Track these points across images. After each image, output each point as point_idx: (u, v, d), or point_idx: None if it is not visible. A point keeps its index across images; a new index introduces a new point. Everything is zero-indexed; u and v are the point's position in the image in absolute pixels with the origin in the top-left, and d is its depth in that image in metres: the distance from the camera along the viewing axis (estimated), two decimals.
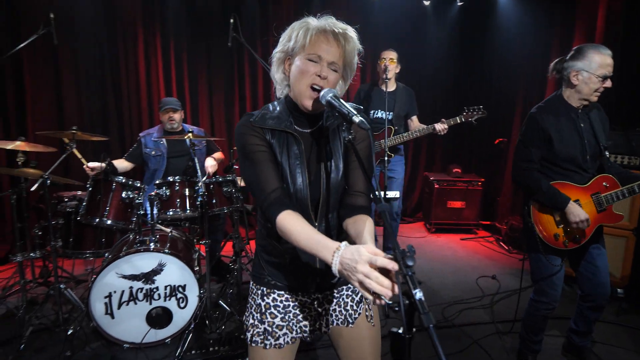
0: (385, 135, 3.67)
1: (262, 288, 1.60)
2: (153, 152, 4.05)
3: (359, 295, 1.65)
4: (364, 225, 1.39)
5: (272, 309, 1.57)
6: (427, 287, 3.95)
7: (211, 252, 4.09)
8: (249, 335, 1.57)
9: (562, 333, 3.11)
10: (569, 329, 2.76)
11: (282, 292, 1.58)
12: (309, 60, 1.39)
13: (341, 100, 1.32)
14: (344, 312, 1.63)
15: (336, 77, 1.42)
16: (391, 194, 3.64)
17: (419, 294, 1.00)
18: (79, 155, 3.61)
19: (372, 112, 4.21)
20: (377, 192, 1.20)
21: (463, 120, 3.92)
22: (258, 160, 1.43)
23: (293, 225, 1.32)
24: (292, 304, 1.58)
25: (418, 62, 6.02)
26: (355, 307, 1.64)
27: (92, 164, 3.61)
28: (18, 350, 2.85)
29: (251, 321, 1.58)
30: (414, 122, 4.24)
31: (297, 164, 1.45)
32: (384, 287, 1.06)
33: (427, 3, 5.88)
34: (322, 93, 1.36)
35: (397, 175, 4.26)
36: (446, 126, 3.90)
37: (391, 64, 4.01)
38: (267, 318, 1.56)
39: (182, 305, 3.07)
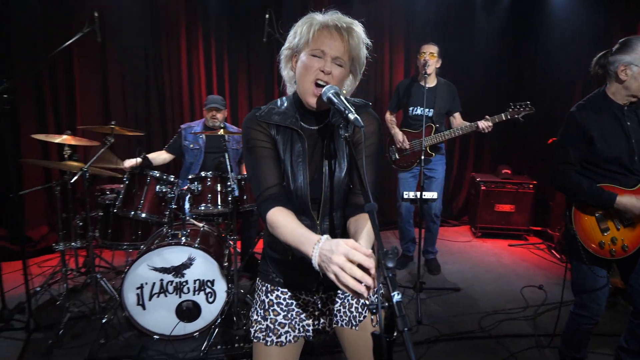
0: (423, 134, 3.61)
1: (266, 285, 1.64)
2: (191, 145, 4.21)
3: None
4: (365, 223, 1.39)
5: (275, 306, 1.61)
6: (466, 294, 3.86)
7: (244, 249, 4.20)
8: (252, 331, 1.60)
9: (612, 351, 2.94)
10: (619, 346, 2.60)
11: (286, 290, 1.61)
12: (312, 55, 1.40)
13: (341, 97, 1.32)
14: (348, 313, 1.63)
15: (341, 72, 1.43)
16: (429, 194, 3.57)
17: (397, 297, 1.01)
18: (113, 161, 3.81)
19: (411, 108, 4.15)
20: (367, 190, 1.19)
21: (509, 117, 3.79)
22: (259, 155, 1.46)
23: (280, 220, 1.35)
24: (295, 302, 1.61)
25: (464, 57, 5.89)
26: (360, 310, 1.64)
27: (127, 163, 3.80)
28: (57, 335, 3.05)
29: (255, 317, 1.62)
30: (457, 120, 4.14)
31: (299, 162, 1.47)
32: (357, 279, 1.07)
33: None
34: (323, 90, 1.37)
35: (438, 175, 4.18)
36: (490, 124, 3.79)
37: (431, 58, 3.95)
38: (269, 315, 1.59)
39: (210, 300, 3.17)
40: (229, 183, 3.30)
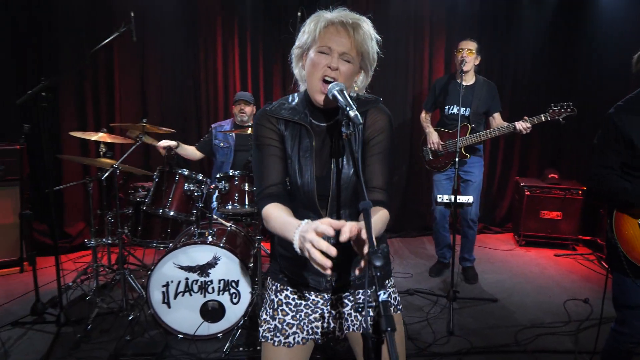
0: (458, 134, 3.54)
1: (276, 284, 1.66)
2: (221, 144, 4.30)
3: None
4: (374, 214, 1.42)
5: (284, 306, 1.63)
6: (503, 306, 3.75)
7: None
8: (261, 330, 1.63)
9: None
10: None
11: (295, 290, 1.63)
12: (320, 52, 1.44)
13: (345, 94, 1.35)
14: (359, 317, 1.63)
15: (349, 68, 1.45)
16: (463, 198, 3.50)
17: (383, 296, 1.05)
18: (150, 141, 3.95)
19: (447, 107, 4.09)
20: (363, 187, 1.21)
21: (549, 118, 3.68)
22: (266, 153, 1.52)
23: (272, 212, 1.41)
24: (304, 302, 1.62)
25: (509, 54, 5.76)
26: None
27: (163, 143, 3.92)
28: (85, 330, 3.19)
29: (264, 317, 1.64)
30: (496, 120, 4.04)
31: (306, 157, 1.51)
32: (322, 250, 1.12)
33: None
34: (329, 87, 1.39)
35: (474, 178, 4.09)
36: (529, 125, 3.69)
37: (469, 55, 3.88)
38: (278, 315, 1.61)
39: (235, 300, 3.22)
40: None
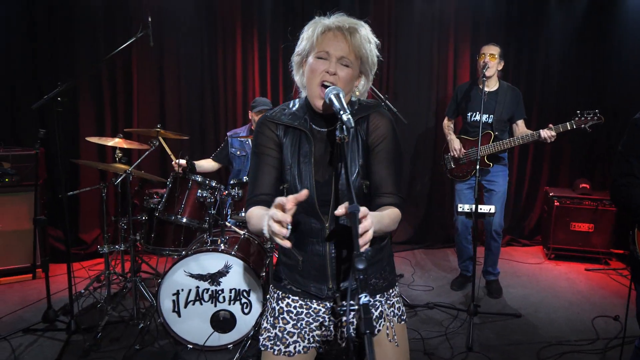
0: (479, 141, 3.52)
1: (278, 292, 1.69)
2: (238, 152, 4.36)
3: (378, 311, 1.67)
4: (384, 209, 1.51)
5: (285, 314, 1.65)
6: (527, 321, 3.69)
7: None
8: (261, 339, 1.65)
9: None
10: None
11: (297, 298, 1.66)
12: (318, 58, 1.50)
13: (341, 98, 1.40)
14: None
15: (348, 72, 1.50)
16: (485, 208, 3.47)
17: (364, 299, 1.09)
18: (169, 151, 4.04)
19: (469, 114, 4.08)
20: (352, 192, 1.26)
21: (574, 126, 3.64)
22: (262, 162, 1.59)
23: (253, 211, 1.47)
24: (305, 311, 1.64)
25: (537, 59, 5.71)
26: (374, 323, 1.65)
27: (182, 162, 4.00)
28: (95, 338, 3.26)
29: (264, 325, 1.67)
30: (520, 127, 4.01)
31: (306, 163, 1.55)
32: (279, 220, 1.21)
33: None
34: (326, 91, 1.44)
35: (498, 187, 4.05)
36: (554, 133, 3.65)
37: (492, 60, 3.87)
38: (279, 323, 1.64)
39: (246, 311, 3.25)
40: None
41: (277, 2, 5.45)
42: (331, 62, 1.48)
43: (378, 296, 1.68)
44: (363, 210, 1.24)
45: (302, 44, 1.55)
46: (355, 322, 1.15)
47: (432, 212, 5.88)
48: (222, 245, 3.32)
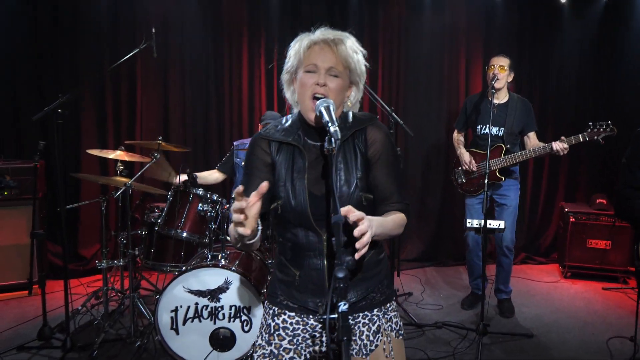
0: (487, 155, 3.54)
1: (274, 308, 1.72)
2: (242, 163, 4.42)
3: (375, 325, 1.70)
4: (387, 215, 1.61)
5: (281, 331, 1.69)
6: (539, 342, 3.68)
7: None
8: (255, 356, 1.68)
9: None
10: None
11: (293, 314, 1.69)
12: (307, 72, 1.57)
13: (331, 110, 1.47)
14: (358, 341, 1.68)
15: (338, 82, 1.57)
16: (494, 223, 3.49)
17: (342, 307, 1.15)
18: (165, 175, 4.09)
19: (479, 127, 4.12)
20: (337, 202, 1.31)
21: (587, 138, 3.68)
22: (250, 181, 1.65)
23: (231, 226, 1.50)
24: (302, 327, 1.67)
25: (552, 70, 5.77)
26: (371, 338, 1.68)
27: (183, 177, 4.05)
28: (90, 356, 3.29)
29: (259, 342, 1.70)
30: (531, 140, 4.04)
31: (299, 178, 1.60)
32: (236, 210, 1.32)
33: (563, 0, 5.57)
34: (316, 104, 1.51)
35: (510, 202, 4.07)
36: (566, 145, 3.68)
37: (501, 72, 3.91)
38: (274, 340, 1.67)
39: (246, 328, 3.27)
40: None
41: (284, 12, 5.55)
42: (320, 74, 1.56)
43: (375, 310, 1.71)
44: (358, 214, 1.32)
45: (290, 61, 1.63)
46: (327, 329, 1.25)
47: (444, 228, 5.88)
48: (222, 260, 3.35)
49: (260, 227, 1.46)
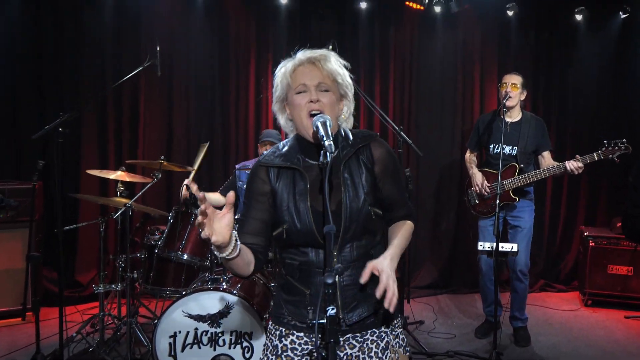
0: (499, 175, 3.60)
1: (280, 329, 1.78)
2: (245, 186, 4.48)
3: (384, 342, 1.77)
4: (397, 229, 1.77)
5: (289, 352, 1.75)
6: None
7: None
8: None
9: None
10: None
11: (302, 334, 1.75)
12: (298, 93, 1.69)
13: (327, 125, 1.58)
14: (367, 359, 1.74)
15: (330, 96, 1.69)
16: (507, 246, 3.52)
17: (331, 311, 1.26)
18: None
19: (491, 146, 4.18)
20: (329, 214, 1.42)
21: (601, 157, 3.75)
22: (248, 210, 1.76)
23: None
24: (311, 347, 1.73)
25: (565, 89, 5.87)
26: (380, 355, 1.75)
27: (186, 191, 4.10)
28: None
29: None
30: (546, 159, 4.09)
31: (302, 200, 1.69)
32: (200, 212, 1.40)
33: (579, 18, 5.67)
34: (312, 120, 1.62)
35: (524, 224, 4.11)
36: (580, 165, 3.74)
37: (513, 90, 4.00)
38: None
39: (247, 355, 3.29)
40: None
41: (293, 31, 5.67)
42: (311, 92, 1.67)
43: (383, 327, 1.78)
44: (372, 265, 1.53)
45: (278, 89, 1.75)
46: (317, 337, 1.37)
47: (458, 253, 5.90)
48: (224, 284, 3.39)
49: (239, 243, 1.54)
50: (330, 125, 1.59)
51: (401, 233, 1.75)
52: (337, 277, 1.65)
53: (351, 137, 1.75)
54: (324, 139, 1.53)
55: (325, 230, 1.39)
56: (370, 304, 1.73)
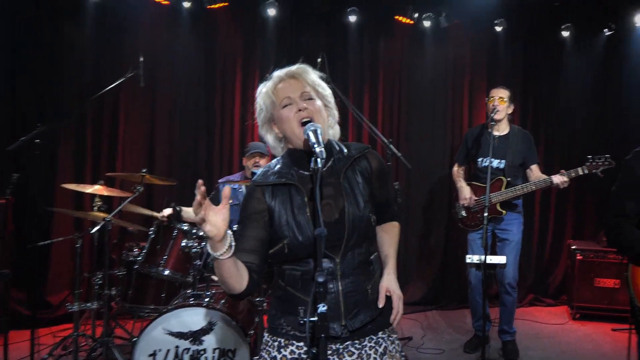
0: (487, 188, 3.70)
1: (279, 340, 1.83)
2: (230, 201, 4.47)
3: (382, 347, 1.83)
4: (386, 235, 1.98)
5: None
6: None
7: None
8: None
9: None
10: None
11: (302, 344, 1.80)
12: (284, 107, 1.78)
13: (318, 133, 1.66)
14: None
15: (316, 103, 1.80)
16: (495, 259, 3.61)
17: (321, 308, 1.38)
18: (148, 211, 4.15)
19: (480, 159, 4.30)
20: (320, 219, 1.50)
21: (586, 171, 3.92)
22: (245, 228, 1.81)
23: None
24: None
25: (554, 104, 6.06)
26: (379, 359, 1.80)
27: (166, 212, 4.12)
28: None
29: None
30: (534, 172, 4.22)
31: (301, 214, 1.75)
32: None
33: (565, 34, 5.89)
34: (304, 129, 1.71)
35: (512, 237, 4.21)
36: (566, 179, 3.91)
37: (501, 103, 4.13)
38: None
39: None
40: None
41: (281, 44, 5.72)
42: (297, 102, 1.78)
43: (380, 333, 1.85)
44: (385, 287, 1.82)
45: (263, 111, 1.86)
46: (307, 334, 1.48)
47: (448, 268, 5.96)
48: (207, 299, 3.38)
49: (234, 244, 1.59)
50: (321, 134, 1.67)
51: (393, 240, 1.97)
52: (339, 283, 1.76)
53: (345, 150, 1.86)
54: (315, 145, 1.61)
55: (316, 232, 1.47)
56: (371, 310, 1.80)
